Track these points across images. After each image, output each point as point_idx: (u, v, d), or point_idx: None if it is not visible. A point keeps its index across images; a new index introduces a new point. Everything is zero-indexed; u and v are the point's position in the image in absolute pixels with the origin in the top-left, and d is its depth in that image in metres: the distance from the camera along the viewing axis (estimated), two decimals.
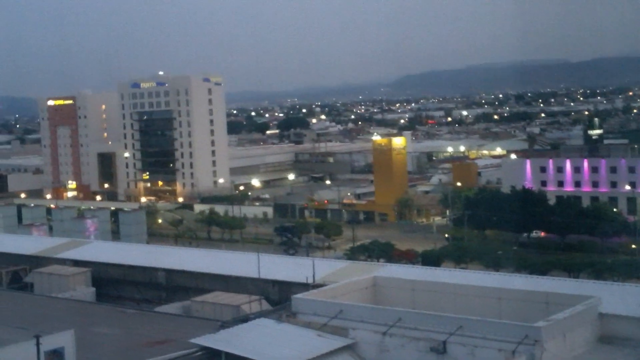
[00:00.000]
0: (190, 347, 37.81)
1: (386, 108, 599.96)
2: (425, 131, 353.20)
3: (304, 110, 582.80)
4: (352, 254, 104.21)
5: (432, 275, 47.56)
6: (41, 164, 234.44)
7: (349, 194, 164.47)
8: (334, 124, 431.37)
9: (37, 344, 32.40)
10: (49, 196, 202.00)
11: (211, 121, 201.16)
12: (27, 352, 32.64)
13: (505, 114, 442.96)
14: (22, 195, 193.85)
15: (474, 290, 40.89)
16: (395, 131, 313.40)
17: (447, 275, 48.72)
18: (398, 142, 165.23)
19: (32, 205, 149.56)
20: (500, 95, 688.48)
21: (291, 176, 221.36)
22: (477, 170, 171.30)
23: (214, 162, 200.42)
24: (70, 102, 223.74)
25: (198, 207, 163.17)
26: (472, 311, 37.20)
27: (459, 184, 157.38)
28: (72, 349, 34.34)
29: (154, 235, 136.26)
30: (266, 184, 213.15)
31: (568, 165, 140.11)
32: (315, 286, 45.32)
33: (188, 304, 50.75)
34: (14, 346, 33.96)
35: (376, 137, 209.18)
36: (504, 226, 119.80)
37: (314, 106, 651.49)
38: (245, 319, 42.67)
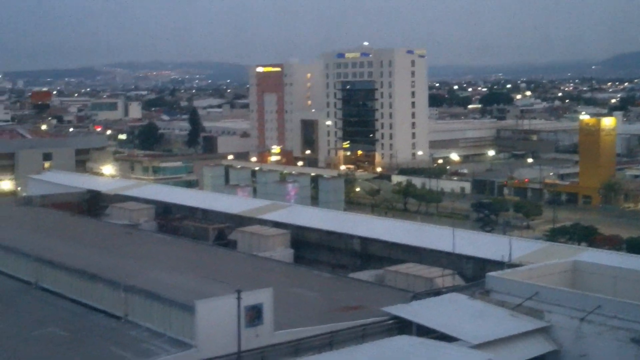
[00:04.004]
0: (382, 315, 38.28)
1: (596, 87, 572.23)
2: (638, 113, 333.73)
3: (508, 86, 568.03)
4: (552, 236, 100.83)
5: (636, 263, 45.10)
6: (248, 128, 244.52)
7: (551, 173, 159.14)
8: (539, 101, 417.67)
9: (238, 299, 34.00)
10: (253, 159, 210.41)
11: (413, 93, 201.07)
12: (228, 306, 34.34)
13: None
14: (230, 157, 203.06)
15: None
16: (604, 111, 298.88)
17: None
18: (607, 122, 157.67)
19: (239, 167, 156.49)
20: None
21: (491, 152, 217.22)
22: None
23: (413, 134, 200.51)
24: (278, 70, 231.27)
25: (395, 178, 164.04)
26: None
27: None
28: (270, 306, 35.70)
29: (351, 203, 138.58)
30: (465, 158, 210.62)
31: None
32: (511, 265, 44.41)
33: (381, 272, 51.25)
34: (216, 299, 35.85)
35: (584, 117, 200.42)
36: None
37: (519, 82, 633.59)
38: (437, 292, 42.62)
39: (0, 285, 49.59)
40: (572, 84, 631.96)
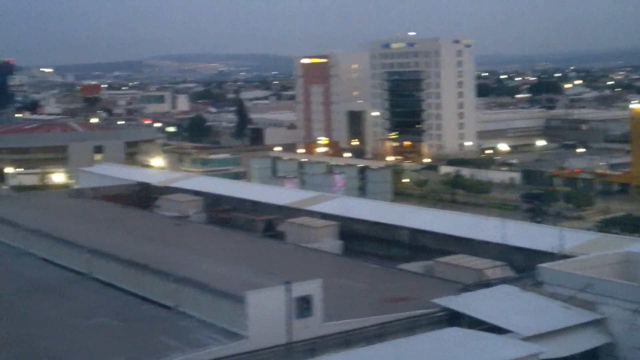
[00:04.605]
0: (431, 306, 38.09)
1: None
2: None
3: (557, 75, 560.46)
4: (603, 227, 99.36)
5: None
6: (295, 120, 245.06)
7: (602, 163, 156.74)
8: (589, 89, 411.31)
9: (288, 290, 34.14)
10: (300, 151, 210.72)
11: (460, 83, 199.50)
12: (277, 297, 34.51)
13: None
14: (277, 149, 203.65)
15: None
16: None
17: None
18: None
19: (286, 158, 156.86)
20: None
21: (540, 142, 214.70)
22: None
23: (461, 125, 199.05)
24: (324, 61, 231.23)
25: (443, 169, 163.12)
26: None
27: None
28: (319, 297, 35.76)
29: (399, 195, 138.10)
30: (514, 149, 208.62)
31: None
32: (563, 257, 43.84)
33: (430, 264, 50.95)
34: (266, 290, 36.03)
35: (635, 105, 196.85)
36: None
37: (567, 71, 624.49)
38: (487, 284, 42.25)
39: (54, 276, 50.53)
40: (623, 72, 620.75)
